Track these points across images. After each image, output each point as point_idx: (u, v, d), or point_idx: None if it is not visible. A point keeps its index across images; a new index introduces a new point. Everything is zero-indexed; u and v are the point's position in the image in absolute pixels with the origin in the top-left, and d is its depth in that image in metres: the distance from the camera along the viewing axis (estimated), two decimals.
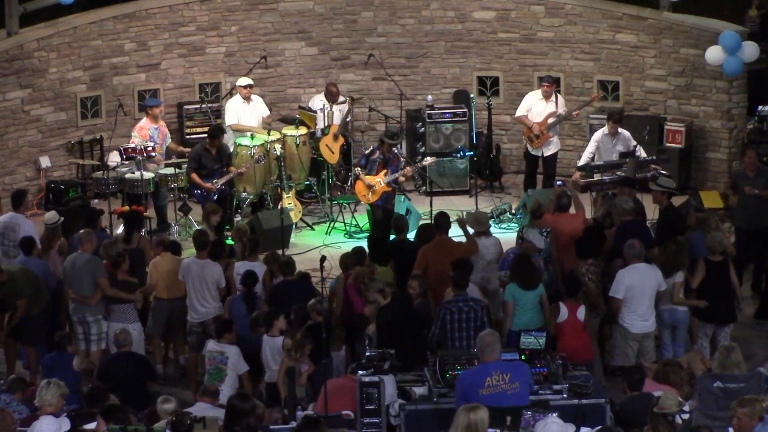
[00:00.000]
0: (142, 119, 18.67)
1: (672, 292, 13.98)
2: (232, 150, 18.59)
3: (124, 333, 13.42)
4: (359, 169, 17.46)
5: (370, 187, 17.18)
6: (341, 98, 19.61)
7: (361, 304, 13.75)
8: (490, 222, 18.29)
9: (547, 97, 18.72)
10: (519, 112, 19.07)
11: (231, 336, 13.32)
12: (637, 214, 15.19)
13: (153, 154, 18.19)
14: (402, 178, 17.56)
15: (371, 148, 17.77)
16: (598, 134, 18.00)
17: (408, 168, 17.47)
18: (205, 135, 19.13)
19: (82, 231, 14.67)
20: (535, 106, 18.81)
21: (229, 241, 15.98)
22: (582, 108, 19.20)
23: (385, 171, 17.24)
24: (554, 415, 10.78)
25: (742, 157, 17.12)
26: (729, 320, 14.32)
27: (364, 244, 15.27)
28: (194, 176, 17.72)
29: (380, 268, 14.28)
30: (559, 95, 18.97)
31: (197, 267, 14.33)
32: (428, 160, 18.16)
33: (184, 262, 14.55)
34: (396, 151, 17.51)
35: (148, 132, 18.45)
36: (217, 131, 18.01)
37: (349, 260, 14.38)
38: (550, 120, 18.66)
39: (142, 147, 18.15)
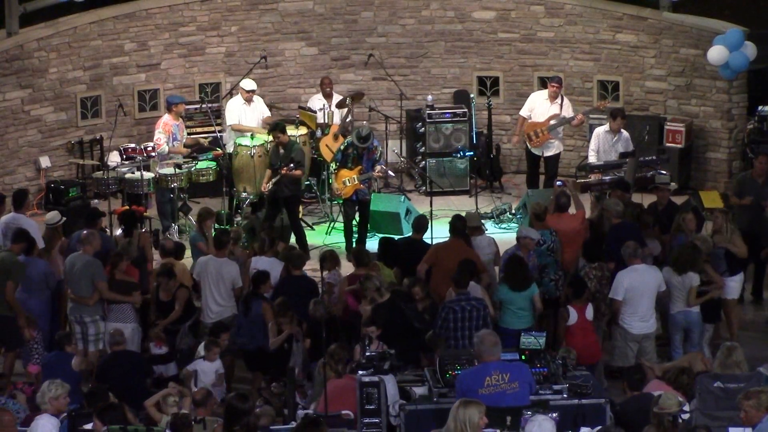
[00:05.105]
0: (165, 116, 18.52)
1: (688, 297, 14.01)
2: (232, 150, 18.60)
3: (118, 332, 13.45)
4: (334, 164, 17.42)
5: (343, 183, 17.15)
6: (341, 97, 19.61)
7: (354, 304, 13.81)
8: (490, 222, 18.42)
9: (552, 97, 18.65)
10: (522, 112, 19.04)
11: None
12: (633, 216, 15.22)
13: (153, 154, 18.19)
14: (376, 175, 17.49)
15: (345, 143, 17.72)
16: (599, 130, 17.97)
17: (379, 168, 17.39)
18: (205, 135, 19.25)
19: (84, 232, 14.67)
20: (539, 107, 18.74)
21: None
22: (587, 113, 19.13)
23: (359, 168, 17.17)
24: (552, 415, 10.78)
25: (752, 161, 17.02)
26: (714, 320, 14.42)
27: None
28: (268, 172, 17.52)
29: (385, 269, 14.30)
30: (565, 98, 18.87)
31: (215, 265, 14.36)
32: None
33: (200, 260, 14.63)
34: (371, 145, 17.28)
35: (171, 128, 18.41)
36: (276, 126, 17.57)
37: (358, 259, 14.43)
38: (552, 122, 18.62)
39: (142, 147, 18.18)
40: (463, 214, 15.53)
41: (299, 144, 18.03)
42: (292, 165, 17.17)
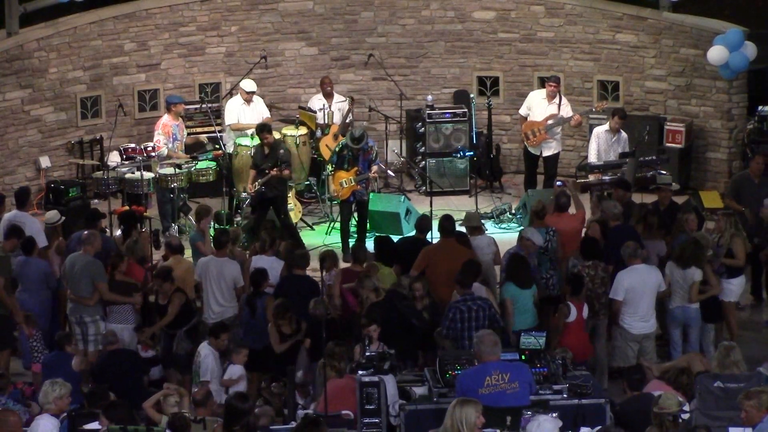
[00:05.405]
0: (164, 116, 18.54)
1: (690, 292, 14.02)
2: (231, 150, 18.60)
3: (111, 332, 13.55)
4: (330, 166, 17.45)
5: (341, 185, 17.17)
6: (341, 98, 19.62)
7: (353, 302, 13.81)
8: (490, 222, 18.42)
9: (550, 97, 18.62)
10: (521, 111, 19.04)
11: (215, 341, 13.33)
12: (640, 217, 15.21)
13: (153, 154, 18.20)
14: (373, 175, 17.51)
15: (340, 145, 17.71)
16: (599, 130, 17.96)
17: (376, 167, 17.40)
18: (205, 135, 19.26)
19: (85, 232, 14.66)
20: (537, 106, 18.70)
21: None
22: (584, 114, 19.11)
23: (356, 169, 17.19)
24: (553, 415, 10.78)
25: (749, 161, 17.04)
26: (716, 319, 14.43)
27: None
28: (252, 172, 17.48)
29: (384, 269, 14.29)
30: (563, 97, 18.84)
31: (216, 265, 14.35)
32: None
33: (201, 261, 14.63)
34: (366, 145, 17.29)
35: (171, 129, 18.42)
36: (264, 128, 17.50)
37: (356, 256, 14.46)
38: (549, 122, 18.59)
39: (142, 147, 18.19)
40: (463, 214, 15.53)
41: (285, 144, 18.01)
42: (283, 165, 17.18)
